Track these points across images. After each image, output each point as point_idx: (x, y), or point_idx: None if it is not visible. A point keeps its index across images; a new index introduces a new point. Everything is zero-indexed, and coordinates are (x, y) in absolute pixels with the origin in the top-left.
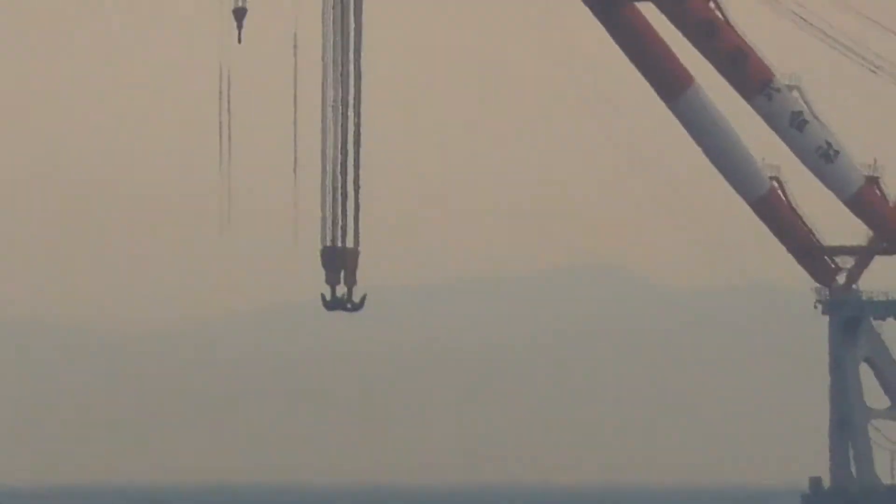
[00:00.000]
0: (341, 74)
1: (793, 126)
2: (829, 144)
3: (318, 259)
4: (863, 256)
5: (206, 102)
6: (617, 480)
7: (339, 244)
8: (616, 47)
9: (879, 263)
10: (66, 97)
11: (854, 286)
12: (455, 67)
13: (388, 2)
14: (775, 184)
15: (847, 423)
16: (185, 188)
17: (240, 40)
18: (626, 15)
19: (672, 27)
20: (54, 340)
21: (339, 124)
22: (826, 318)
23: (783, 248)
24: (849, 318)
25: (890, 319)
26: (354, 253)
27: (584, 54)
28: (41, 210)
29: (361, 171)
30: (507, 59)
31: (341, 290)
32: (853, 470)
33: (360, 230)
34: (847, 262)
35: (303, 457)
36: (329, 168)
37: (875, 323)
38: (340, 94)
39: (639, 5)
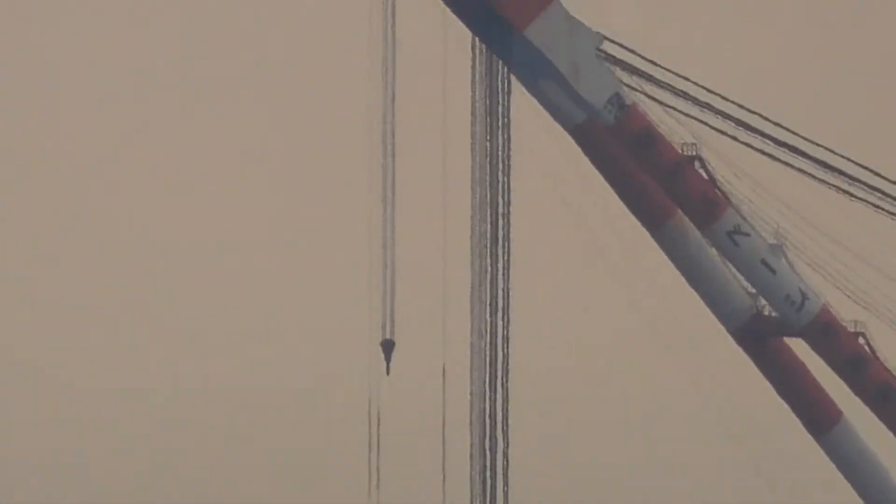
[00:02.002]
0: (490, 401)
1: None
2: None
3: None
4: None
5: (354, 429)
6: None
7: None
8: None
9: None
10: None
11: None
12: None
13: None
14: None
15: None
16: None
17: (388, 372)
18: (774, 348)
19: (819, 359)
20: None
21: (488, 444)
22: None
23: None
24: None
25: None
26: None
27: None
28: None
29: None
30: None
31: None
32: None
33: None
34: None
35: None
36: (477, 477)
37: None
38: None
39: (787, 339)
